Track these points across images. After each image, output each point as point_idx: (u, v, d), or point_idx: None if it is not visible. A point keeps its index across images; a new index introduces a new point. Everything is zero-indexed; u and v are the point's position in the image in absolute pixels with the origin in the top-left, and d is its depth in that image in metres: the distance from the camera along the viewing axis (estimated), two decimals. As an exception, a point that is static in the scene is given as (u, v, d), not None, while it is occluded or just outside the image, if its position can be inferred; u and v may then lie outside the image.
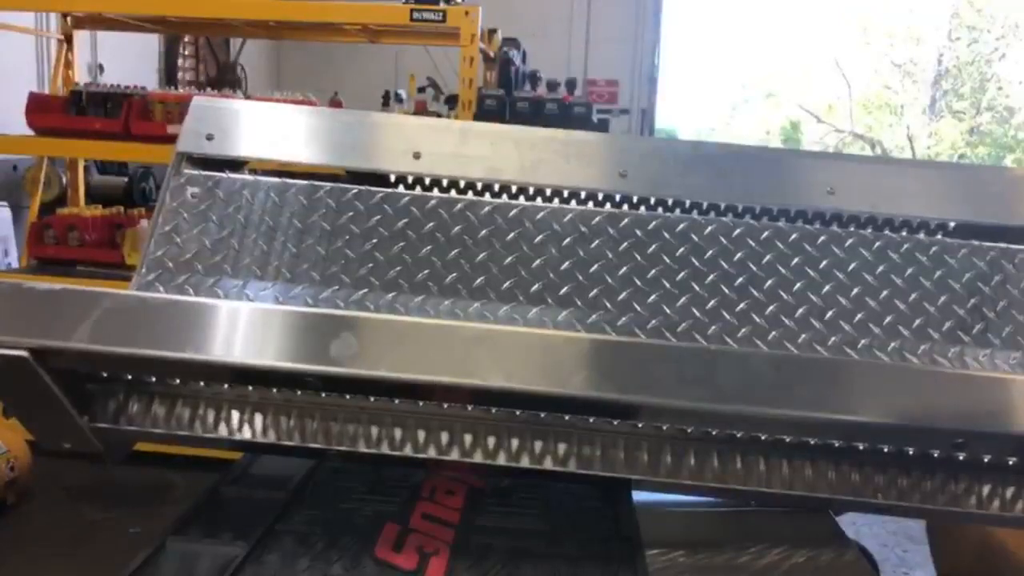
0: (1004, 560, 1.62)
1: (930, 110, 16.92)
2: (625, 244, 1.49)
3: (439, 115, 5.20)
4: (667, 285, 1.45)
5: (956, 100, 16.98)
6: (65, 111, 4.30)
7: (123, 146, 4.21)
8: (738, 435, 1.34)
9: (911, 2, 17.27)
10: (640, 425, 1.34)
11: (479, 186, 1.58)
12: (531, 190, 1.56)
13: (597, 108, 5.31)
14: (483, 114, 4.33)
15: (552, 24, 9.27)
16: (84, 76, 5.74)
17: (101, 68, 6.65)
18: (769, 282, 1.46)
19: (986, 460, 1.33)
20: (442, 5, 4.02)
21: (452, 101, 5.53)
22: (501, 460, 1.33)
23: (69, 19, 4.84)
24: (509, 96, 4.64)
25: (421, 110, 5.50)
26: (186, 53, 8.48)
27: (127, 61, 7.10)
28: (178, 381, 1.34)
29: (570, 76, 5.28)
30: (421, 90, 5.98)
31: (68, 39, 4.87)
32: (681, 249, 1.48)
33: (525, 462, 1.33)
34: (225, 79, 8.63)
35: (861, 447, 1.34)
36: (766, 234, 1.51)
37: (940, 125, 16.82)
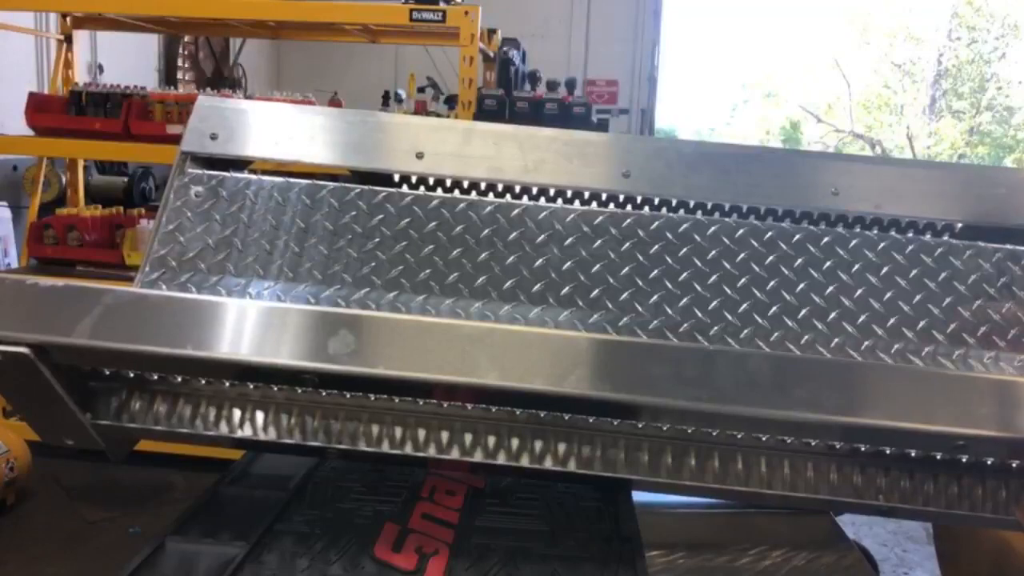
0: (1022, 568, 1.59)
1: (930, 110, 16.93)
2: (627, 244, 1.48)
3: (439, 115, 5.20)
4: (669, 285, 1.45)
5: (956, 100, 17.00)
6: (65, 111, 4.30)
7: (123, 146, 4.22)
8: (739, 436, 1.34)
9: (911, 2, 17.30)
10: (640, 425, 1.34)
11: (482, 186, 1.57)
12: (534, 190, 1.56)
13: (597, 108, 5.32)
14: (483, 114, 4.33)
15: (552, 24, 9.28)
16: (84, 76, 5.74)
17: (101, 68, 6.66)
18: (772, 283, 1.46)
19: (989, 462, 1.33)
20: (442, 5, 4.02)
21: (452, 101, 5.54)
22: (501, 459, 1.33)
23: (69, 19, 4.84)
24: (509, 96, 4.64)
25: (421, 110, 5.50)
26: (186, 53, 8.47)
27: (127, 61, 7.10)
28: (179, 378, 1.34)
29: (570, 76, 5.28)
30: (421, 90, 5.99)
31: (68, 39, 4.87)
32: (684, 249, 1.48)
33: (525, 462, 1.33)
34: (225, 79, 8.63)
35: (863, 448, 1.34)
36: (769, 235, 1.50)
37: (940, 125, 16.83)
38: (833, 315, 1.43)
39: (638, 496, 1.54)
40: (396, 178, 1.59)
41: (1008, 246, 1.51)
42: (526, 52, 5.62)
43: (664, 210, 1.55)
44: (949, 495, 1.34)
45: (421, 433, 1.34)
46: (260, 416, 1.35)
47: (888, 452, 1.34)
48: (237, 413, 1.35)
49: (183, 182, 1.53)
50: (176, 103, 4.15)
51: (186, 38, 8.25)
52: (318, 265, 1.45)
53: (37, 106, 4.31)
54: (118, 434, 1.35)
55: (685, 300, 1.44)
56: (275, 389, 1.35)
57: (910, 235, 1.53)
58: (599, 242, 1.49)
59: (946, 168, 2.11)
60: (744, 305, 1.43)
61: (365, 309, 1.39)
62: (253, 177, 1.55)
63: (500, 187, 1.57)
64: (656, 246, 1.48)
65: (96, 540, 3.36)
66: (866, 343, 1.41)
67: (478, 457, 1.34)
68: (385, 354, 1.12)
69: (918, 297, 1.45)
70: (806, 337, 1.41)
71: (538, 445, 1.34)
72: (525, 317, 1.41)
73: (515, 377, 1.11)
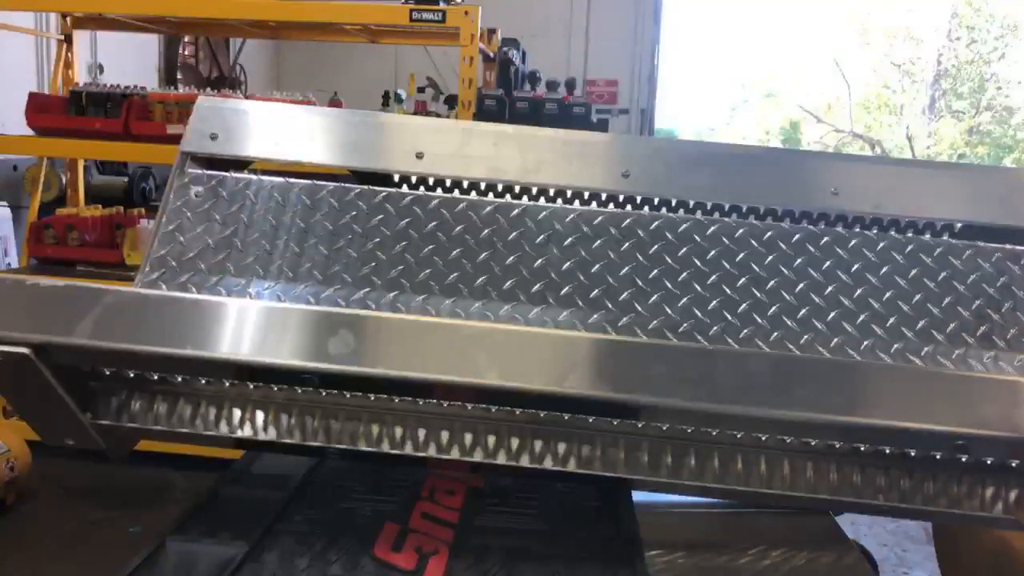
0: (1021, 568, 1.60)
1: (929, 110, 16.93)
2: (627, 244, 1.49)
3: (439, 115, 5.20)
4: (669, 285, 1.45)
5: (955, 100, 17.00)
6: (65, 111, 4.29)
7: (123, 146, 4.21)
8: (739, 435, 1.34)
9: (911, 2, 17.32)
10: (640, 425, 1.34)
11: (482, 186, 1.58)
12: (534, 190, 1.56)
13: (596, 108, 5.31)
14: (482, 114, 4.33)
15: (552, 24, 9.26)
16: (84, 76, 5.73)
17: (101, 68, 6.64)
18: (772, 283, 1.46)
19: (989, 462, 1.33)
20: (442, 5, 4.02)
21: (452, 101, 5.53)
22: (501, 459, 1.33)
23: (69, 19, 4.83)
24: (509, 96, 4.64)
25: (421, 110, 5.50)
26: (186, 53, 8.47)
27: (127, 61, 7.09)
28: (179, 378, 1.35)
29: (570, 76, 5.28)
30: (421, 90, 5.99)
31: (68, 39, 4.86)
32: (683, 249, 1.48)
33: (525, 461, 1.33)
34: (225, 79, 8.63)
35: (863, 448, 1.34)
36: (769, 235, 1.50)
37: (939, 125, 16.83)
38: (833, 315, 1.43)
39: (638, 496, 1.55)
40: (396, 178, 1.59)
41: (1008, 246, 1.51)
42: (526, 52, 5.62)
43: (664, 210, 1.55)
44: (949, 495, 1.34)
45: (421, 433, 1.34)
46: (260, 416, 1.36)
47: (888, 452, 1.34)
48: (237, 413, 1.35)
49: (183, 182, 1.53)
50: (176, 103, 4.15)
51: (186, 38, 8.25)
52: (318, 265, 1.45)
53: (37, 106, 4.31)
54: (118, 434, 1.35)
55: (685, 300, 1.44)
56: (275, 389, 1.35)
57: (910, 235, 1.53)
58: (599, 242, 1.49)
59: (946, 168, 2.10)
60: (744, 305, 1.43)
61: (365, 309, 1.39)
62: (253, 177, 1.55)
63: (500, 187, 1.57)
64: (656, 246, 1.49)
65: (96, 540, 3.36)
66: (866, 343, 1.41)
67: (478, 457, 1.34)
68: (385, 354, 1.13)
69: (918, 297, 1.46)
70: (806, 337, 1.41)
71: (538, 445, 1.34)
72: (525, 317, 1.41)
73: (515, 377, 1.11)
